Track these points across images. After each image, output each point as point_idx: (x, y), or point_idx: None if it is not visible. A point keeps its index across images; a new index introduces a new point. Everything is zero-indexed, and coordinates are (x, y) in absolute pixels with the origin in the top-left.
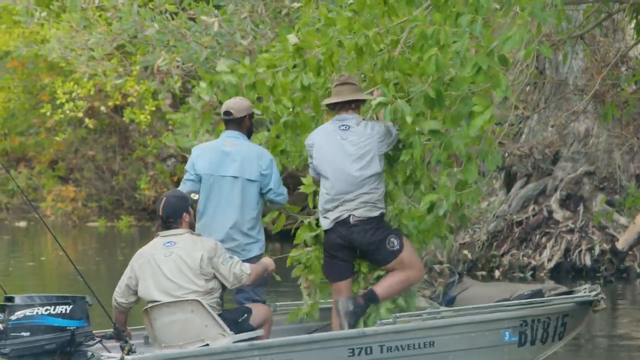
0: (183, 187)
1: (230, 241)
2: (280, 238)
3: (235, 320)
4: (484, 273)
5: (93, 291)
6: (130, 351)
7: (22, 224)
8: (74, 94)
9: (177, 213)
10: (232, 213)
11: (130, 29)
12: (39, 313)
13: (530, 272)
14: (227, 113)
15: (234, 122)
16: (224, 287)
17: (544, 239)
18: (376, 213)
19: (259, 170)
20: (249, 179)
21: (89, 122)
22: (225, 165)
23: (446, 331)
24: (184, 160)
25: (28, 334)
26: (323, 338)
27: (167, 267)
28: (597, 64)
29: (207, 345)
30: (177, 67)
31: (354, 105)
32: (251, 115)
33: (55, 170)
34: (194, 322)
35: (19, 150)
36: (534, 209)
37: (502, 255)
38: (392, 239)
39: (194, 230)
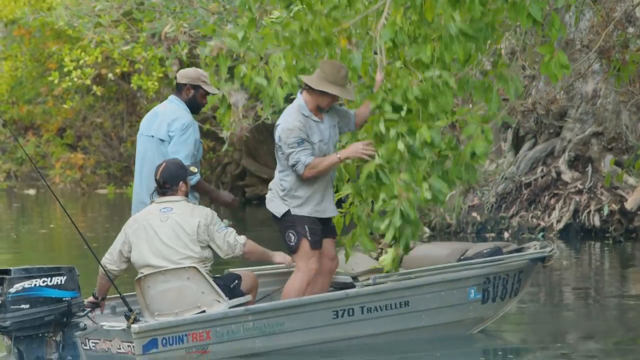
0: None
1: (142, 204)
2: None
3: (227, 286)
4: (493, 235)
5: (99, 260)
6: (135, 320)
7: (31, 191)
8: (81, 62)
9: (174, 180)
10: (150, 172)
11: None
12: (37, 285)
13: (540, 234)
14: (175, 78)
15: (177, 87)
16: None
17: (552, 200)
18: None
19: (168, 131)
20: (160, 138)
21: (97, 90)
22: (152, 124)
23: (419, 291)
24: None
25: (27, 306)
26: (311, 301)
27: (163, 232)
28: (603, 21)
29: (204, 311)
30: (184, 33)
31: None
32: (195, 87)
33: (63, 138)
34: (190, 289)
35: (26, 119)
36: (542, 170)
37: (511, 217)
38: (290, 234)
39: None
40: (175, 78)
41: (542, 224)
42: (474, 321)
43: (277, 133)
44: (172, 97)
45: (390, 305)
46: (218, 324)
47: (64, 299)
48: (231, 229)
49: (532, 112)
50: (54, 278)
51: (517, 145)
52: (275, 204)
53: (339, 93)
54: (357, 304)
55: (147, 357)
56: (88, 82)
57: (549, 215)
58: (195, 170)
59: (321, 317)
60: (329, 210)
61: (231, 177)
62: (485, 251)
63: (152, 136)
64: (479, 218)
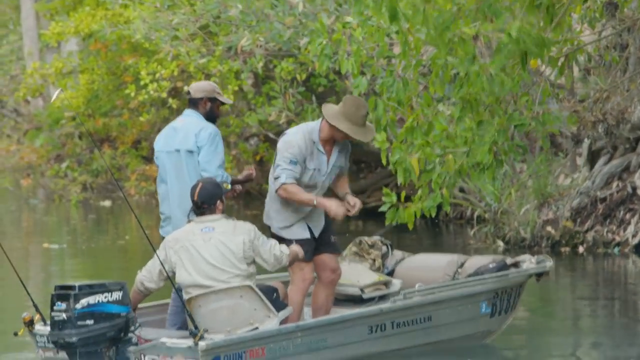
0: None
1: (182, 215)
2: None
3: (270, 300)
4: (567, 249)
5: (169, 276)
6: (201, 338)
7: (107, 203)
8: (157, 75)
9: (212, 199)
10: (181, 186)
11: (214, 9)
12: (100, 301)
13: (615, 248)
14: (187, 93)
15: (191, 102)
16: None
17: (628, 215)
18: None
19: (196, 142)
20: (188, 150)
21: (172, 102)
22: (172, 139)
23: (441, 306)
24: (267, 140)
25: (92, 322)
26: (351, 317)
27: (207, 252)
28: None
29: (256, 328)
30: (260, 46)
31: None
32: (212, 99)
33: (138, 150)
34: (243, 307)
35: (102, 131)
36: (617, 185)
37: (586, 231)
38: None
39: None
40: (188, 93)
41: (617, 238)
42: (482, 335)
43: (279, 143)
44: (189, 111)
45: (416, 320)
46: (272, 340)
47: (121, 314)
48: (274, 241)
49: (602, 122)
50: (113, 293)
51: (592, 160)
52: (266, 217)
53: (351, 132)
54: (389, 319)
55: None
56: (164, 95)
57: (624, 230)
58: (229, 187)
59: (358, 333)
60: (318, 227)
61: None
62: (491, 266)
63: (178, 150)
64: (553, 232)
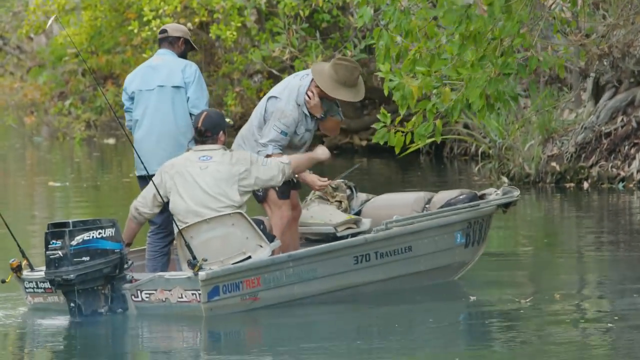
0: (126, 121)
1: (162, 152)
2: (369, 152)
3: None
4: (572, 185)
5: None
6: (200, 268)
7: (111, 140)
8: (160, 11)
9: (215, 128)
10: (164, 123)
11: None
12: (94, 237)
13: (620, 184)
14: (162, 31)
15: (167, 40)
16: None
17: (632, 150)
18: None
19: (183, 78)
20: (175, 85)
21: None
22: (152, 78)
23: (420, 235)
24: (270, 76)
25: (88, 258)
26: (340, 246)
27: (203, 180)
28: None
29: (249, 257)
30: None
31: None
32: (186, 41)
33: None
34: (234, 235)
35: (105, 68)
36: (622, 119)
37: (591, 166)
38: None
39: (135, 152)
40: (164, 32)
41: (622, 173)
42: (458, 266)
43: (271, 105)
44: (164, 50)
45: (398, 251)
46: (266, 270)
47: (116, 250)
48: (272, 158)
49: (608, 55)
50: (107, 230)
51: (597, 94)
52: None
53: (352, 98)
54: (373, 249)
55: (210, 305)
56: None
57: (629, 165)
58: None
59: (345, 263)
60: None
61: None
62: (462, 197)
63: (162, 86)
64: (558, 168)
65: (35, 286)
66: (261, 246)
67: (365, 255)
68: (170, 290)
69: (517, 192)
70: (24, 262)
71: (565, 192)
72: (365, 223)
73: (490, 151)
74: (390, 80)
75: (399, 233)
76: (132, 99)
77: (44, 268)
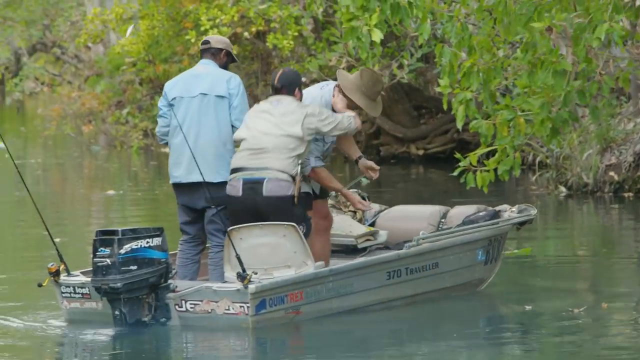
0: (158, 126)
1: (202, 160)
2: (426, 161)
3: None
4: (631, 194)
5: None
6: (250, 281)
7: (168, 149)
8: (217, 21)
9: (291, 85)
10: (207, 131)
11: None
12: (142, 246)
13: None
14: (205, 42)
15: (209, 51)
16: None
17: None
18: None
19: (227, 89)
20: (218, 94)
21: (232, 48)
22: (194, 85)
23: (447, 252)
24: None
25: (135, 267)
26: (375, 262)
27: (268, 117)
28: None
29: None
30: None
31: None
32: (228, 53)
33: None
34: (284, 246)
35: (162, 77)
36: None
37: None
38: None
39: (170, 159)
40: (206, 43)
41: None
42: (477, 283)
43: (311, 112)
44: (207, 61)
45: (426, 267)
46: (309, 284)
47: (162, 260)
48: (337, 113)
49: None
50: (154, 239)
51: None
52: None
53: (366, 107)
54: (404, 265)
55: (257, 318)
56: None
57: None
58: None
59: (379, 278)
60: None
61: (366, 136)
62: (481, 214)
63: (204, 94)
64: (616, 177)
65: (72, 291)
66: (306, 264)
67: (397, 270)
68: (217, 302)
69: (534, 211)
70: (62, 267)
71: (624, 202)
72: (382, 235)
73: (548, 160)
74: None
75: (429, 249)
76: (170, 105)
77: (78, 272)
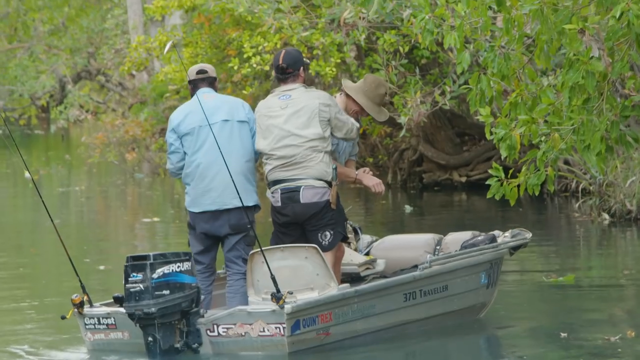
0: (169, 163)
1: (228, 189)
2: (469, 187)
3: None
4: None
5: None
6: (285, 302)
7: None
8: (260, 48)
9: (296, 64)
10: (235, 156)
11: None
12: (174, 270)
13: None
14: (201, 72)
15: (206, 80)
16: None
17: None
18: None
19: (245, 114)
20: (240, 120)
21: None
22: (211, 113)
23: (456, 274)
24: None
25: (168, 292)
26: (395, 283)
27: (283, 117)
28: None
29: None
30: (363, 19)
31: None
32: (215, 80)
33: None
34: (306, 269)
35: None
36: None
37: None
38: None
39: (189, 197)
40: (204, 72)
41: None
42: (480, 307)
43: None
44: (207, 89)
45: (437, 289)
46: (338, 305)
47: (193, 284)
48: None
49: None
50: (184, 263)
51: None
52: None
53: (367, 106)
54: (419, 287)
55: (293, 339)
56: (267, 68)
57: None
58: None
59: (397, 300)
60: None
61: (408, 163)
62: (480, 238)
63: (226, 120)
64: None
65: (97, 322)
66: (330, 286)
67: (412, 292)
68: (251, 324)
69: (529, 235)
70: (85, 298)
71: None
72: (380, 264)
73: (591, 187)
74: (495, 132)
75: (441, 271)
76: (180, 138)
77: (99, 304)
